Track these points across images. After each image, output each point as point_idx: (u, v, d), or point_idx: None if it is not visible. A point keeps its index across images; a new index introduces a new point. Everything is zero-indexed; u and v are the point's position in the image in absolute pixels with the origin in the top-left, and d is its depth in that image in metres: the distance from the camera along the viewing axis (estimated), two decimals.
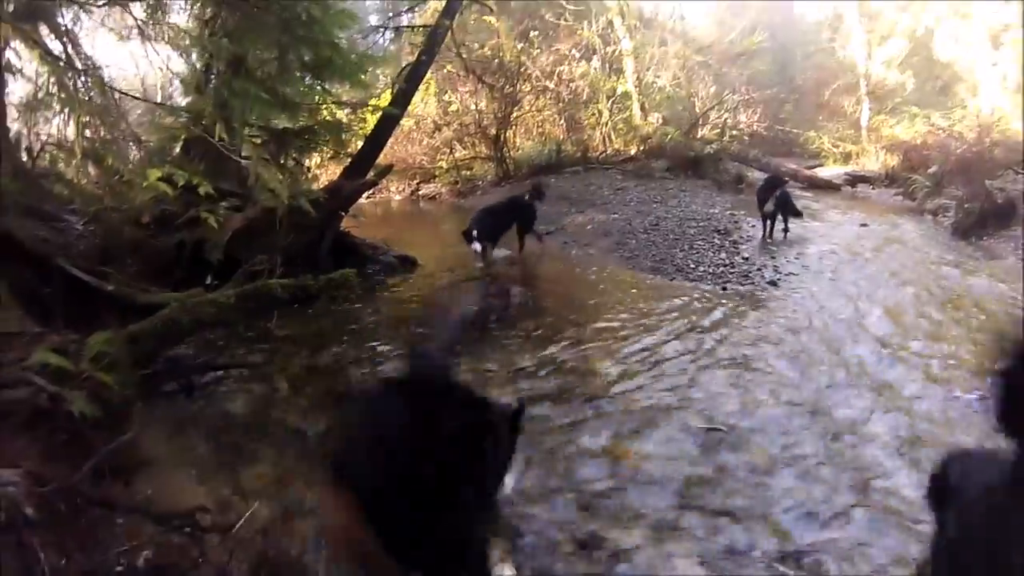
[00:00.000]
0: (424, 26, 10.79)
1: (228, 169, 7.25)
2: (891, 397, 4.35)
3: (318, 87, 7.42)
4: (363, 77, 7.43)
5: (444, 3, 10.14)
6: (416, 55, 9.78)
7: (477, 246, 7.55)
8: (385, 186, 15.78)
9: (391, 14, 12.55)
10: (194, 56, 6.36)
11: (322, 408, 4.19)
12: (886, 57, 19.74)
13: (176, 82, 6.24)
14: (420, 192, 15.81)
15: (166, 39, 5.74)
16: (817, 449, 3.66)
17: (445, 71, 15.74)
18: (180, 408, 4.27)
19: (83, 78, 5.03)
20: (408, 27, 11.81)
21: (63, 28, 4.91)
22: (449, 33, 11.44)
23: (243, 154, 7.76)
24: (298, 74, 6.80)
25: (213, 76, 6.36)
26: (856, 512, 3.08)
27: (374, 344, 5.41)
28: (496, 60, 15.60)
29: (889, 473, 3.43)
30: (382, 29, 11.13)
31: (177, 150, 6.79)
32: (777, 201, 8.61)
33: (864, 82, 19.44)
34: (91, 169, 5.79)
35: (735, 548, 2.83)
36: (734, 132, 16.57)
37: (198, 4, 6.40)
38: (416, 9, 12.70)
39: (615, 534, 2.91)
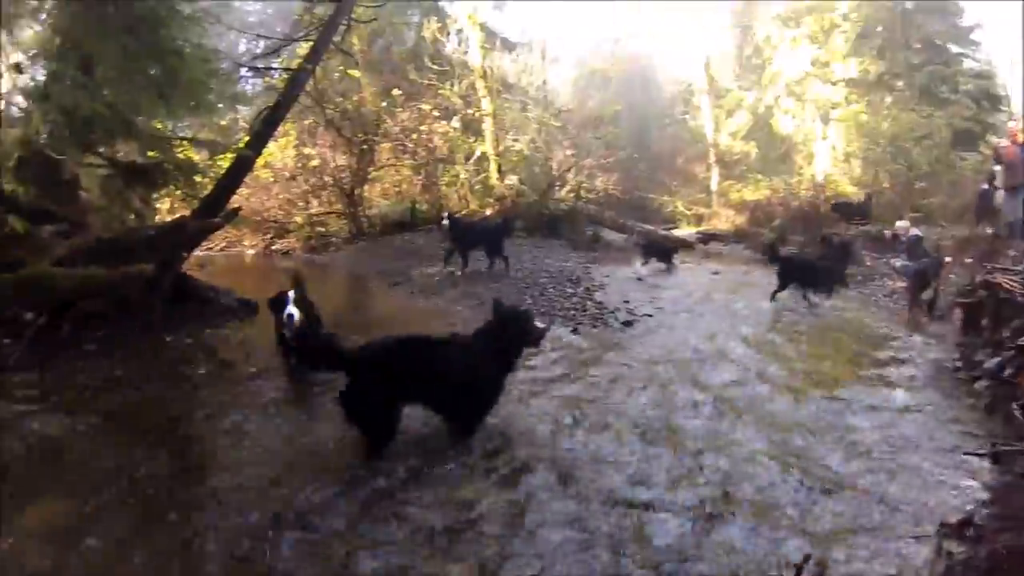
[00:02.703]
0: (287, 69, 10.88)
1: (63, 195, 7.25)
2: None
3: (164, 111, 7.47)
4: (211, 98, 7.46)
5: (309, 49, 10.31)
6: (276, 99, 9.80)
7: None
8: (238, 239, 15.76)
9: (254, 55, 12.37)
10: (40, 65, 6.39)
11: None
12: (732, 129, 22.41)
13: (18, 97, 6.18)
14: (274, 247, 15.81)
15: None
16: None
17: (305, 123, 16.19)
18: None
19: None
20: (270, 68, 11.71)
21: None
22: (312, 83, 11.79)
23: (83, 184, 7.76)
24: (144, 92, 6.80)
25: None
26: None
27: None
28: (356, 114, 16.15)
29: None
30: (244, 68, 11.06)
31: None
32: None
33: (713, 151, 21.85)
34: None
35: None
36: (590, 194, 17.99)
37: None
38: (281, 52, 12.74)
39: None
